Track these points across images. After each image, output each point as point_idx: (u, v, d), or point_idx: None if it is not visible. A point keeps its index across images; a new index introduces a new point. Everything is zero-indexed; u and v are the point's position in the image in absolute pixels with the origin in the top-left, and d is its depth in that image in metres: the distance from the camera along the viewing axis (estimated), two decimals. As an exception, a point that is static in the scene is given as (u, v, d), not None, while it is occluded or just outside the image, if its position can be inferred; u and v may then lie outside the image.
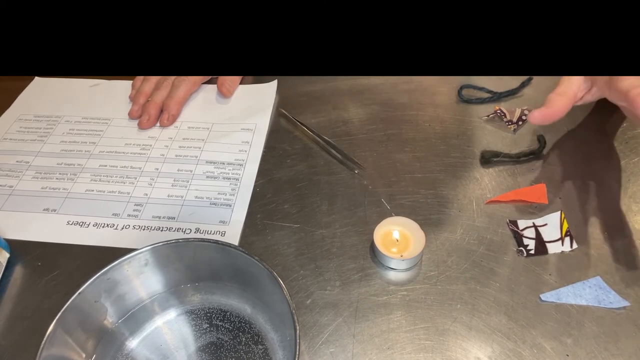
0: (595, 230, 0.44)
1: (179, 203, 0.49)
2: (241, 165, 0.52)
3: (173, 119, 0.57)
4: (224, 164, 0.52)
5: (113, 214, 0.48)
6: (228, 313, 0.39)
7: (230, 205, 0.48)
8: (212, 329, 0.38)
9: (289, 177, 0.50)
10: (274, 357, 0.36)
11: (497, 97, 0.57)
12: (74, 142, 0.55)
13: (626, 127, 0.53)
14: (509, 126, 0.54)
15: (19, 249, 0.45)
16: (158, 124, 0.57)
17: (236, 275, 0.38)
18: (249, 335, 0.37)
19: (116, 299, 0.37)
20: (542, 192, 0.47)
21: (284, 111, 0.57)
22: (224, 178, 0.51)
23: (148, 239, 0.43)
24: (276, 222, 0.46)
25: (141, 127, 0.56)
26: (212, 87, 0.61)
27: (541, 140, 0.51)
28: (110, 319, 0.37)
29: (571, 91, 0.47)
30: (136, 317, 0.39)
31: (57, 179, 0.51)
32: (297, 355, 0.30)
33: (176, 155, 0.54)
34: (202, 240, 0.37)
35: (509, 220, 0.45)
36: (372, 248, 0.43)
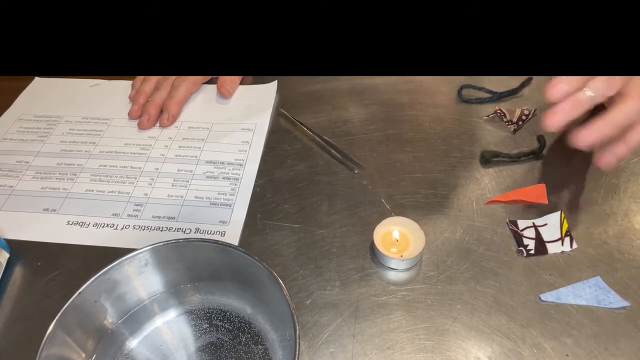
0: (595, 230, 0.44)
1: (178, 203, 0.49)
2: (241, 165, 0.52)
3: (173, 119, 0.57)
4: (223, 164, 0.52)
5: (113, 214, 0.48)
6: (228, 313, 0.39)
7: (230, 205, 0.48)
8: (212, 329, 0.38)
9: (289, 177, 0.50)
10: (274, 357, 0.36)
11: (497, 97, 0.57)
12: (74, 142, 0.55)
13: (626, 127, 0.53)
14: (509, 126, 0.54)
15: (18, 249, 0.45)
16: (158, 124, 0.57)
17: (236, 275, 0.38)
18: (249, 335, 0.37)
19: (116, 299, 0.37)
20: (542, 192, 0.47)
21: (284, 111, 0.57)
22: (223, 178, 0.51)
23: (148, 239, 0.43)
24: (276, 222, 0.46)
25: (141, 127, 0.56)
26: (212, 87, 0.61)
27: (541, 140, 0.51)
28: (110, 319, 0.37)
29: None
30: (136, 317, 0.39)
31: (57, 179, 0.51)
32: (297, 355, 0.30)
33: (176, 155, 0.54)
34: (202, 240, 0.37)
35: (509, 220, 0.45)
36: (372, 248, 0.43)
